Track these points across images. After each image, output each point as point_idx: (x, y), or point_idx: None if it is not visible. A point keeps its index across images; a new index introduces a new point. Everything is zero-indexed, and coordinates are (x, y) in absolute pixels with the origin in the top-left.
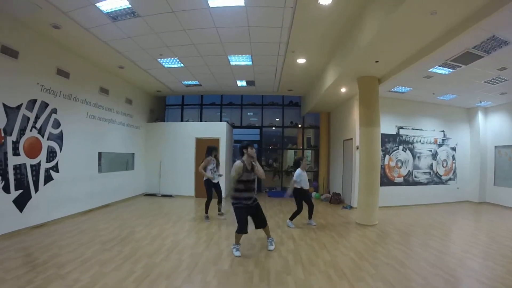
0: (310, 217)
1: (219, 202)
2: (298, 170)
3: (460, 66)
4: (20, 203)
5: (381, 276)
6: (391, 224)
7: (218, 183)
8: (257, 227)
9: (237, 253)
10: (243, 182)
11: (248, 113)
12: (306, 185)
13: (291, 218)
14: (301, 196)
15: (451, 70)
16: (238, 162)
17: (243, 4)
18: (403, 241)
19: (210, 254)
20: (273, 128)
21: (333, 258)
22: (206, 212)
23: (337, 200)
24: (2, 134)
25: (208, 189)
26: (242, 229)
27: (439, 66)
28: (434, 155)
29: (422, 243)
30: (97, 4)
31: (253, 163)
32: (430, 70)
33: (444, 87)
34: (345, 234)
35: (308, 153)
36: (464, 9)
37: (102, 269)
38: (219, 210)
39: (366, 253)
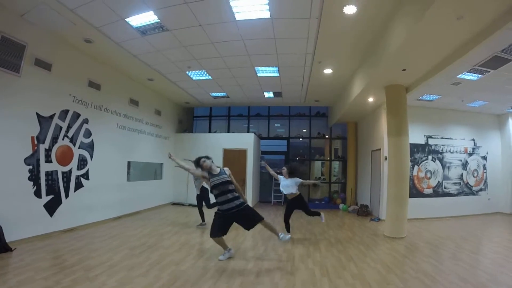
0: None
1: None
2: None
3: (489, 71)
4: (51, 207)
5: None
6: (420, 237)
7: (204, 193)
8: (247, 228)
9: (222, 257)
10: (215, 186)
11: (275, 124)
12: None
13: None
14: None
15: (480, 75)
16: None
17: (269, 16)
18: (433, 255)
19: (237, 264)
20: (300, 139)
21: (360, 271)
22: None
23: (365, 212)
24: (35, 142)
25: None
26: (212, 234)
27: (467, 72)
28: (465, 165)
29: (452, 256)
30: (126, 19)
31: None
32: (458, 76)
33: (473, 93)
34: (372, 247)
35: (336, 164)
36: (490, 12)
37: (129, 274)
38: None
39: (394, 266)
